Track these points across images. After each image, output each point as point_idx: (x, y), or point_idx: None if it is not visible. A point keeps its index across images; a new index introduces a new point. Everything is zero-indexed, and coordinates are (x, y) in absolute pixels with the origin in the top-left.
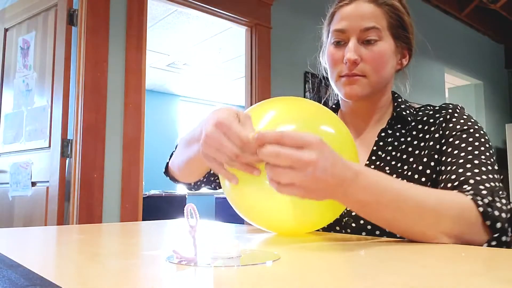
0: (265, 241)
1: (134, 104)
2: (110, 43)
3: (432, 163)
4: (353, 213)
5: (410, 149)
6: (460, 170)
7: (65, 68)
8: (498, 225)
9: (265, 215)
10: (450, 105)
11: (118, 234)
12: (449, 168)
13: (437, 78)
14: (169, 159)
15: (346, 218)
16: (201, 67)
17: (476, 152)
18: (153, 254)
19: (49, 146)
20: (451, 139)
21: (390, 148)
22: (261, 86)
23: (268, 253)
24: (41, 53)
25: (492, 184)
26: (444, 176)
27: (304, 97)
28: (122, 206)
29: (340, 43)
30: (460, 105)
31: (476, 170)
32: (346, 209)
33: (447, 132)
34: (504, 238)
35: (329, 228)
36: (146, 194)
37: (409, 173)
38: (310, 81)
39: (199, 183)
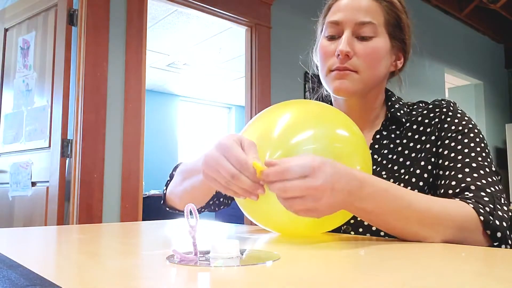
0: (265, 241)
1: (134, 104)
2: (110, 43)
3: (430, 167)
4: (352, 221)
5: (406, 151)
6: (460, 176)
7: (65, 68)
8: (499, 234)
9: (276, 220)
10: (443, 102)
11: (118, 234)
12: (447, 173)
13: (437, 78)
14: (165, 189)
15: (345, 226)
16: (201, 67)
17: (473, 154)
18: (153, 254)
19: (49, 146)
20: (447, 141)
21: (386, 151)
22: (261, 86)
23: (268, 253)
24: (41, 53)
25: (493, 188)
26: (443, 182)
27: (304, 97)
28: (122, 206)
29: (334, 37)
30: (452, 101)
31: (476, 175)
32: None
33: (442, 134)
34: (503, 247)
35: None
36: (146, 194)
37: (407, 177)
38: (310, 81)
39: (199, 209)
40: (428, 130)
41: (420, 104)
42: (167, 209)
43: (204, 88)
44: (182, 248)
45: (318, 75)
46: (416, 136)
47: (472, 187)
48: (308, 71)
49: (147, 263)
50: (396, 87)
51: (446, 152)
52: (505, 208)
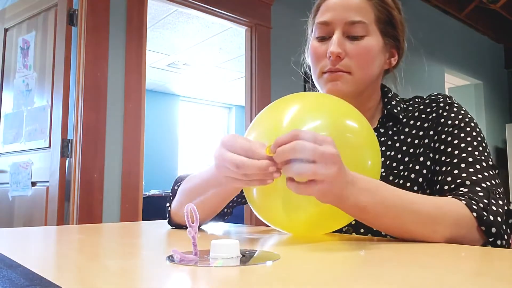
0: (265, 241)
1: (134, 104)
2: (110, 43)
3: (428, 162)
4: (353, 222)
5: (404, 148)
6: (456, 172)
7: (65, 68)
8: (493, 230)
9: (284, 217)
10: (440, 97)
11: (118, 234)
12: (444, 168)
13: (437, 78)
14: (169, 206)
15: (346, 228)
16: (201, 67)
17: (470, 149)
18: (153, 254)
19: (49, 146)
20: (443, 136)
21: (383, 148)
22: (261, 86)
23: (268, 253)
24: (41, 53)
25: (488, 183)
26: (440, 177)
27: None
28: (122, 206)
29: (324, 38)
30: (449, 95)
31: (471, 170)
32: None
33: (439, 128)
34: (499, 242)
35: None
36: (146, 194)
37: (406, 173)
38: (310, 81)
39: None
40: (426, 125)
41: (416, 100)
42: (173, 227)
43: (204, 88)
44: (182, 248)
45: (301, 74)
46: (414, 132)
47: (467, 182)
48: (305, 71)
49: (147, 263)
50: (392, 84)
51: (443, 147)
52: (500, 202)
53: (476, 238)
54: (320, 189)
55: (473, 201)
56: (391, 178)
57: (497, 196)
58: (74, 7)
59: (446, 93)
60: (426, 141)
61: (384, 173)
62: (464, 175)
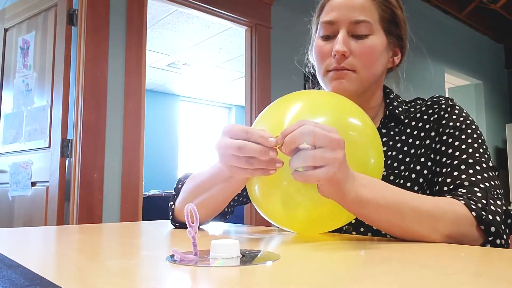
0: (265, 241)
1: (134, 104)
2: (110, 43)
3: (429, 163)
4: (353, 221)
5: (405, 148)
6: (455, 173)
7: (65, 68)
8: (492, 229)
9: (287, 217)
10: (442, 99)
11: (118, 234)
12: (444, 170)
13: (437, 78)
14: (173, 204)
15: (346, 227)
16: (201, 67)
17: (470, 151)
18: (153, 254)
19: (49, 146)
20: (444, 137)
21: (385, 148)
22: (261, 86)
23: (268, 253)
24: (41, 53)
25: (487, 183)
26: (439, 179)
27: None
28: (122, 206)
29: (329, 37)
30: (451, 98)
31: (471, 171)
32: None
33: (440, 130)
34: (498, 241)
35: None
36: (146, 194)
37: (407, 173)
38: (310, 81)
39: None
40: (427, 126)
41: (418, 101)
42: (176, 225)
43: (204, 88)
44: (182, 248)
45: (306, 73)
46: (415, 133)
47: (466, 183)
48: (305, 71)
49: (147, 263)
50: (394, 83)
51: (443, 148)
52: (498, 202)
53: (476, 237)
54: (326, 172)
55: (471, 201)
56: (392, 178)
57: (496, 196)
58: (74, 7)
59: (446, 93)
60: (427, 142)
61: (385, 173)
62: (463, 176)
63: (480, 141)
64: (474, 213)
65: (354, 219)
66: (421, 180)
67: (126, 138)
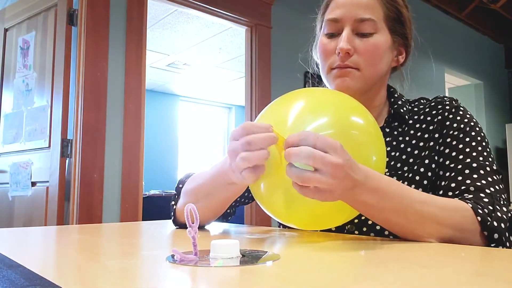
0: (265, 241)
1: (134, 104)
2: (110, 43)
3: (433, 165)
4: (356, 221)
5: (409, 149)
6: (460, 178)
7: (65, 68)
8: (496, 236)
9: (290, 214)
10: (446, 99)
11: (118, 234)
12: (448, 174)
13: (437, 78)
14: (174, 204)
15: (349, 226)
16: (201, 67)
17: (474, 154)
18: (153, 254)
19: (49, 146)
20: (448, 139)
21: (388, 148)
22: (261, 86)
23: (268, 253)
24: (41, 53)
25: (492, 188)
26: (444, 183)
27: None
28: (122, 206)
29: (333, 35)
30: (455, 98)
31: (475, 176)
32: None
33: (444, 131)
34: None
35: None
36: (146, 194)
37: (410, 175)
38: (310, 81)
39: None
40: (431, 127)
41: (422, 101)
42: (177, 226)
43: (204, 88)
44: (182, 248)
45: (318, 75)
46: (419, 134)
47: (472, 188)
48: (308, 70)
49: (147, 263)
50: (398, 82)
51: (447, 150)
52: (504, 209)
53: (478, 242)
54: (321, 197)
55: (479, 206)
56: (395, 178)
57: (501, 202)
58: (74, 7)
59: (446, 93)
60: (431, 144)
61: (388, 173)
62: (468, 181)
63: (484, 143)
64: (479, 218)
65: (356, 219)
66: (425, 182)
67: (126, 138)
